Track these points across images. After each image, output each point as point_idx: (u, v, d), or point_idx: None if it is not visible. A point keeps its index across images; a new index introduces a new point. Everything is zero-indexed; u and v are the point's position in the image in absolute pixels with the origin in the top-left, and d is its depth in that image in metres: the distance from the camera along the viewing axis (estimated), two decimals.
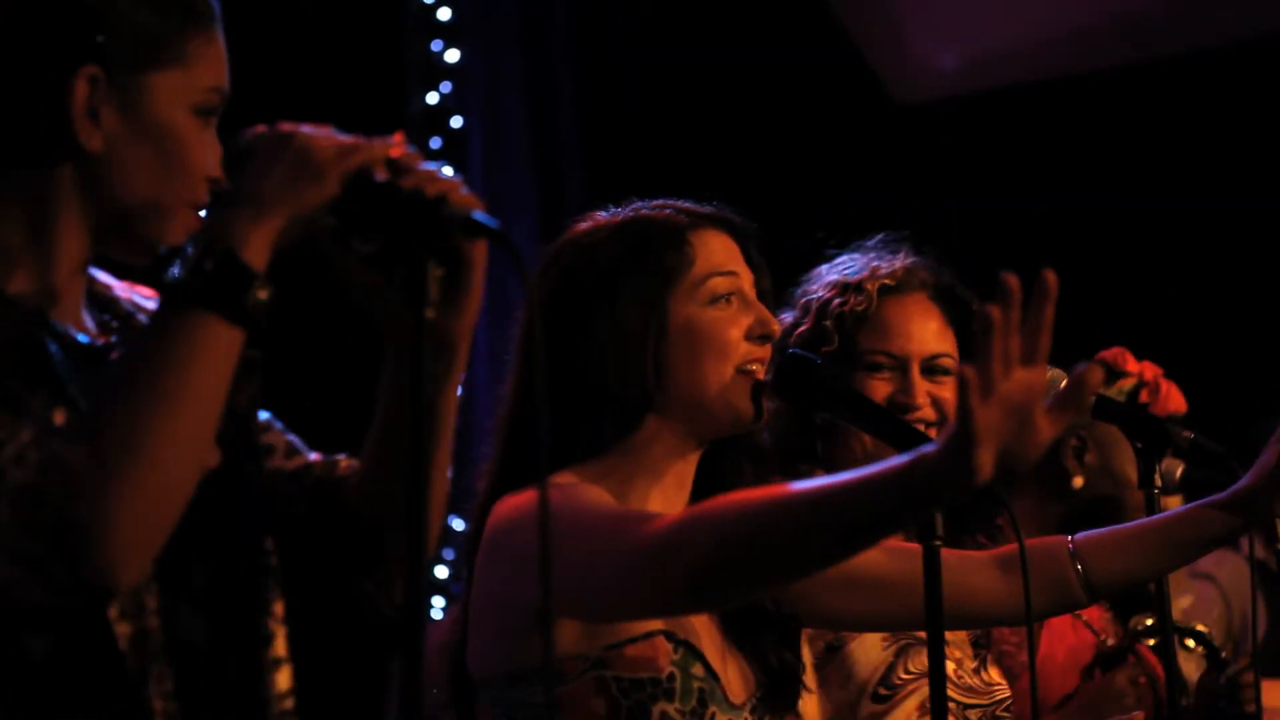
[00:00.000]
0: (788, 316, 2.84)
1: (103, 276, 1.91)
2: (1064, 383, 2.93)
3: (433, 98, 5.08)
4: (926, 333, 2.81)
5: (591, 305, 2.28)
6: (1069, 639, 3.16)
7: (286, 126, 1.73)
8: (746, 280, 2.35)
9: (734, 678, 2.30)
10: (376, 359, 1.84)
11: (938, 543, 2.16)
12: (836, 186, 5.19)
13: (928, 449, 1.76)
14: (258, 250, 1.67)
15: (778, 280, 2.67)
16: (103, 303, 1.89)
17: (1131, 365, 3.27)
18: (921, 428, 2.70)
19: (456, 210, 1.66)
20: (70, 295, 1.82)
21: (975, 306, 2.82)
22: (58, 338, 1.76)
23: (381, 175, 1.69)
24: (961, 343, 2.82)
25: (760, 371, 2.30)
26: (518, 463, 2.28)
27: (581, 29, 5.34)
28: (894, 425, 2.35)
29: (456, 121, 5.14)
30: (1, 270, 1.77)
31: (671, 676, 2.20)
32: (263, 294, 1.66)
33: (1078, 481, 3.19)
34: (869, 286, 2.82)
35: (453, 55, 5.11)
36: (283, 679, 1.82)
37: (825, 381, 2.37)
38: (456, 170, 5.16)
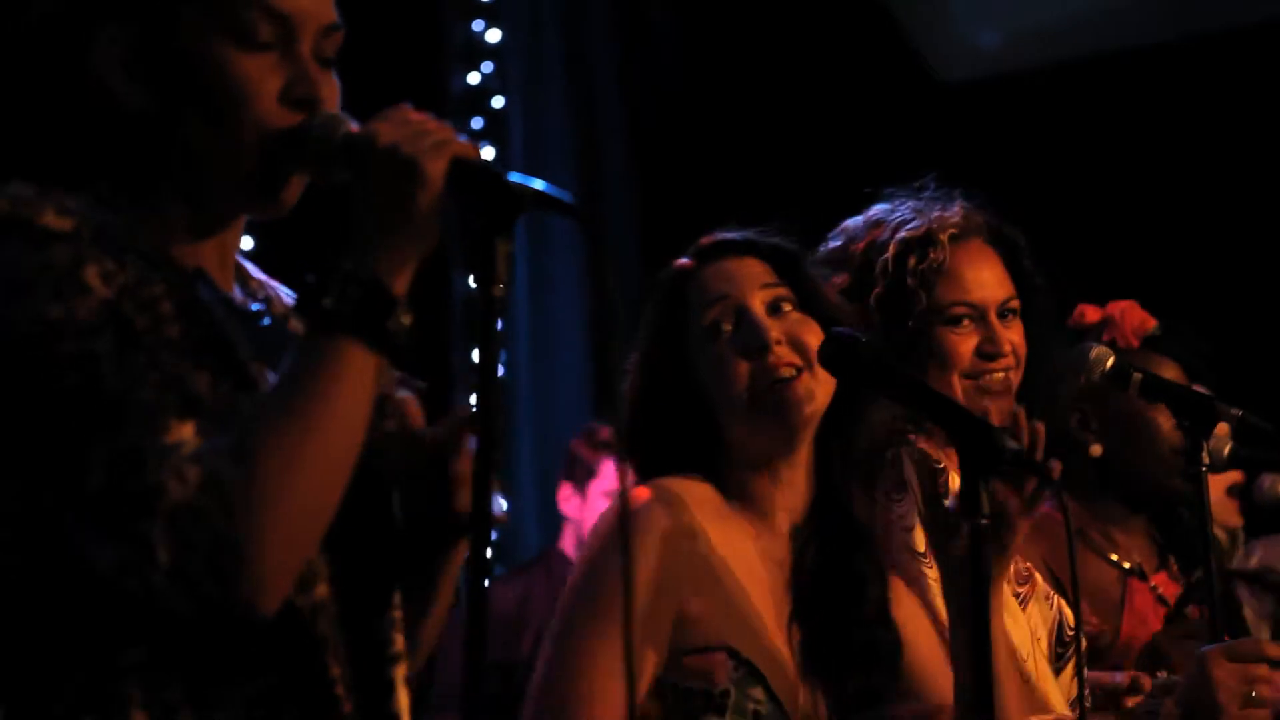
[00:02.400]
0: (837, 275, 2.81)
1: (251, 267, 1.91)
2: (1109, 361, 2.93)
3: (474, 78, 5.09)
4: (995, 279, 2.79)
5: (643, 360, 2.37)
6: (1151, 622, 3.13)
7: (400, 117, 1.68)
8: (758, 299, 2.37)
9: (809, 711, 2.29)
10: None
11: (984, 521, 2.14)
12: (876, 165, 5.17)
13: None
14: (398, 278, 1.65)
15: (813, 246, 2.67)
16: (249, 285, 1.88)
17: (1091, 314, 3.21)
18: (1001, 375, 2.70)
19: (525, 186, 1.66)
20: (220, 262, 1.80)
21: (1023, 243, 2.82)
22: (220, 299, 1.76)
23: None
24: (1016, 282, 2.81)
25: (778, 373, 2.32)
26: (645, 460, 2.35)
27: (621, 8, 5.33)
28: (940, 403, 2.33)
29: (498, 101, 5.14)
30: (160, 236, 1.74)
31: (726, 693, 2.21)
32: (405, 320, 1.65)
33: (1096, 450, 3.16)
34: (941, 238, 2.79)
35: (494, 35, 5.12)
36: (400, 676, 1.82)
37: (870, 360, 2.36)
38: (498, 150, 5.17)
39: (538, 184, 1.65)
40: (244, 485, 1.56)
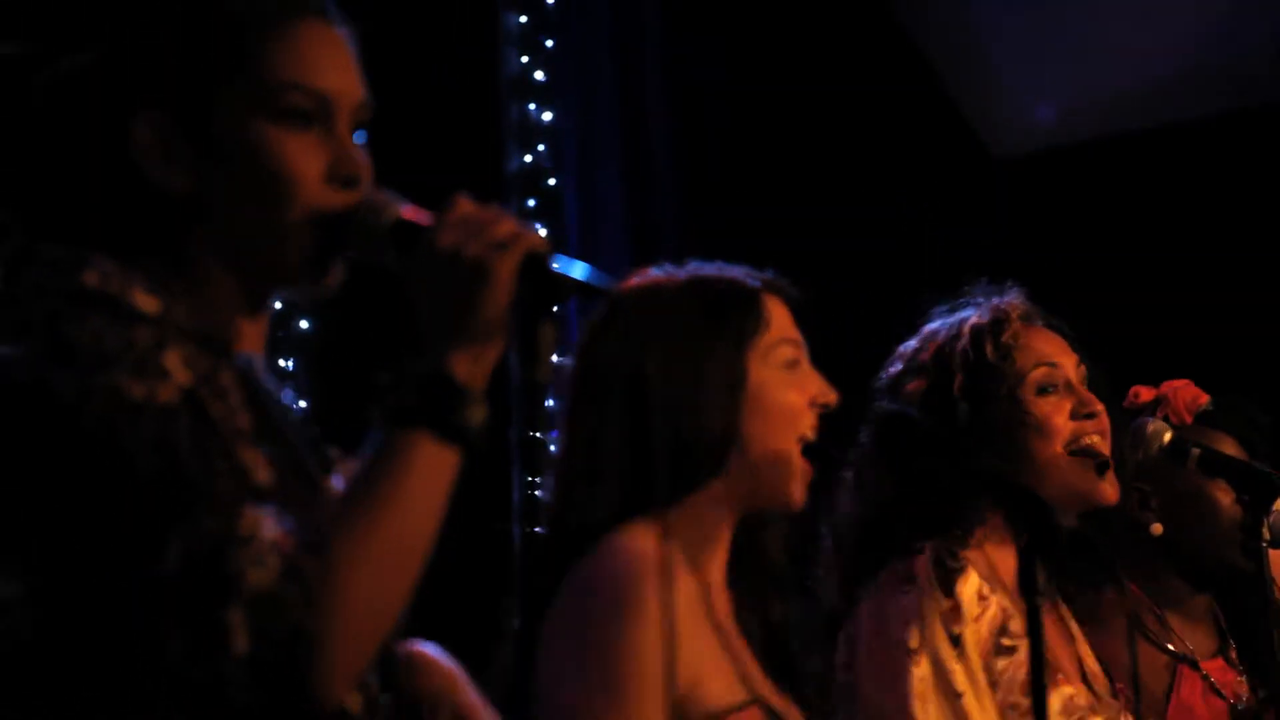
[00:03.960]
0: (912, 383, 2.81)
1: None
2: (1166, 435, 2.91)
3: (528, 158, 5.12)
4: (1069, 357, 2.84)
5: (667, 363, 2.28)
6: (1199, 711, 3.08)
7: (460, 216, 1.68)
8: (804, 352, 2.37)
9: None
10: None
11: (1039, 599, 2.12)
12: (934, 238, 5.16)
13: None
14: (474, 377, 1.66)
15: (879, 328, 2.67)
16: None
17: (1145, 394, 3.19)
18: (1096, 440, 2.70)
19: (567, 275, 1.65)
20: (258, 343, 1.81)
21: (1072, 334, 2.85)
22: (264, 388, 1.76)
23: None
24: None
25: (812, 438, 2.32)
26: (577, 512, 2.26)
27: (674, 89, 5.36)
28: (997, 481, 2.32)
29: (553, 182, 5.16)
30: (208, 319, 1.74)
31: None
32: (479, 415, 1.65)
33: (1157, 528, 3.12)
34: (1012, 316, 2.83)
35: (548, 116, 5.15)
36: None
37: (926, 436, 2.36)
38: (553, 229, 5.18)
39: (578, 269, 1.65)
40: (322, 577, 1.56)
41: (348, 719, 1.65)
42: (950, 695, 2.53)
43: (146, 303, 1.64)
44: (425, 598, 1.67)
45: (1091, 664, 2.80)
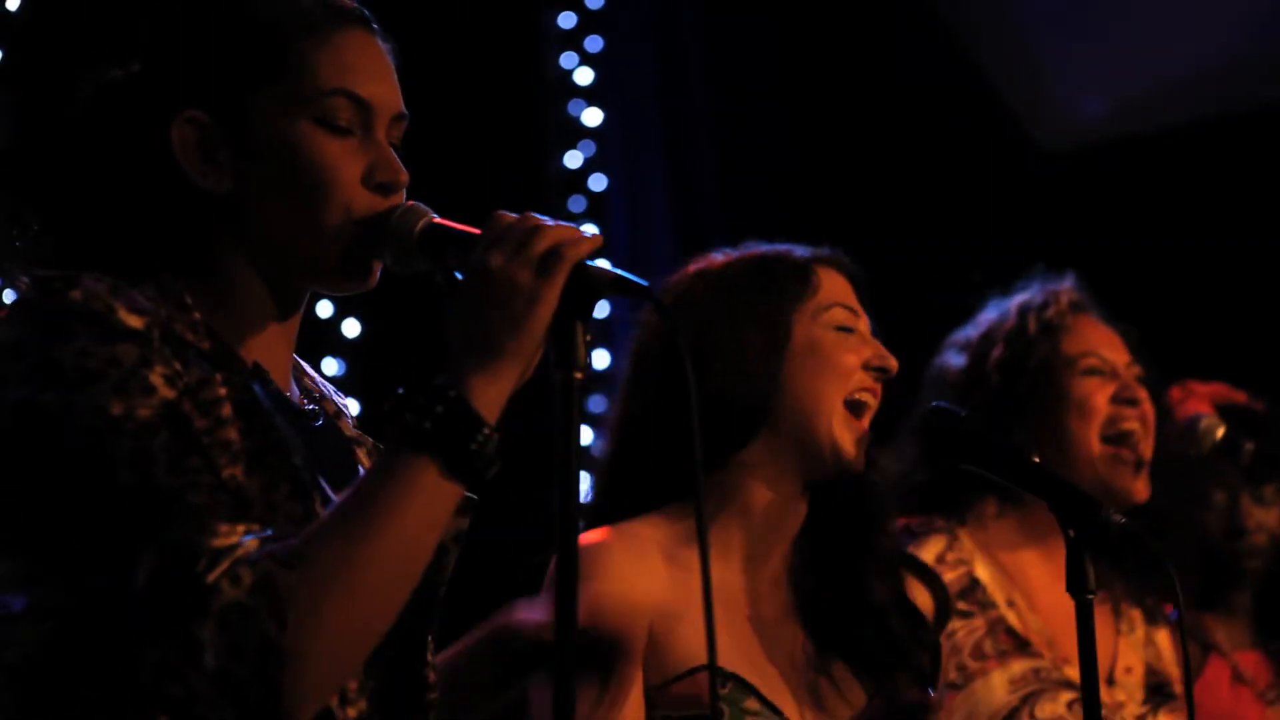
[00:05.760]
0: (955, 361, 2.84)
1: (306, 366, 1.91)
2: (1219, 431, 2.89)
3: (574, 159, 5.12)
4: (1121, 346, 2.84)
5: (710, 325, 2.28)
6: (1224, 698, 3.07)
7: (499, 230, 1.66)
8: (864, 323, 2.37)
9: (811, 713, 2.27)
10: None
11: (1090, 596, 2.13)
12: (981, 233, 5.13)
13: None
14: (491, 402, 1.64)
15: (923, 321, 2.66)
16: (303, 382, 1.89)
17: (1176, 394, 3.18)
18: (1136, 426, 2.71)
19: (603, 271, 1.64)
20: (281, 351, 1.81)
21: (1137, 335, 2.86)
22: (277, 397, 1.76)
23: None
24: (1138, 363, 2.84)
25: (871, 406, 2.30)
26: (621, 493, 2.26)
27: (720, 89, 5.35)
28: (1043, 478, 2.31)
29: (599, 183, 5.16)
30: (223, 326, 1.75)
31: (720, 713, 2.18)
32: (490, 445, 1.63)
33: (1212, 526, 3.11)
34: (1061, 299, 2.85)
35: (593, 117, 5.15)
36: None
37: (971, 435, 2.35)
38: (600, 231, 5.19)
39: (608, 266, 1.64)
40: (298, 593, 1.54)
41: None
42: None
43: (131, 320, 1.65)
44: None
45: (1131, 660, 2.79)
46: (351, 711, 1.65)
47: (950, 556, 2.77)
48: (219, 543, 1.56)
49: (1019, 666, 2.71)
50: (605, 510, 2.29)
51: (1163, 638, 2.86)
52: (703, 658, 2.17)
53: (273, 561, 1.56)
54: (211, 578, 1.54)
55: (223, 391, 1.66)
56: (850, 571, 2.34)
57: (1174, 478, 2.92)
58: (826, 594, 2.33)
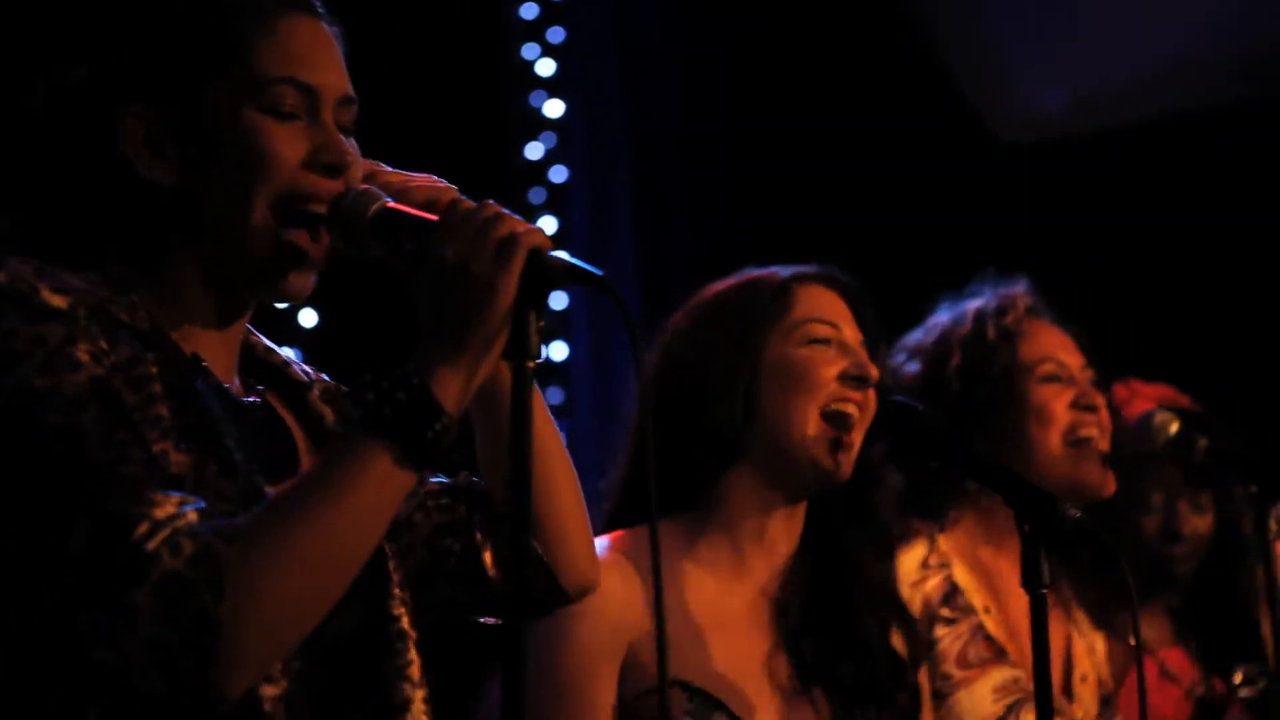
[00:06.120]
0: (910, 367, 2.85)
1: (265, 340, 1.91)
2: (1174, 427, 2.90)
3: (535, 151, 5.11)
4: (1077, 358, 2.86)
5: (695, 356, 2.32)
6: (1153, 698, 3.10)
7: (457, 219, 1.67)
8: (852, 336, 2.38)
9: None
10: None
11: (1044, 590, 2.13)
12: (940, 233, 5.14)
13: None
14: (453, 391, 1.64)
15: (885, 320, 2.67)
16: (254, 363, 1.88)
17: (1121, 393, 3.20)
18: (1095, 432, 2.74)
19: (559, 260, 1.65)
20: (222, 347, 1.81)
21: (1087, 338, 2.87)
22: (213, 387, 1.76)
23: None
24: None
25: (854, 415, 2.32)
26: (633, 500, 2.35)
27: (681, 82, 5.35)
28: (999, 473, 2.32)
29: (559, 174, 5.16)
30: (167, 317, 1.76)
31: None
32: (448, 434, 1.63)
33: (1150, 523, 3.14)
34: (1017, 304, 2.86)
35: (555, 109, 5.14)
36: None
37: (930, 429, 2.36)
38: (560, 223, 5.18)
39: (565, 256, 1.65)
40: (237, 567, 1.55)
41: (256, 711, 1.63)
42: None
43: (55, 300, 1.66)
44: None
45: (1085, 668, 2.82)
46: (271, 690, 1.64)
47: (933, 561, 2.78)
48: (159, 512, 1.57)
49: (999, 675, 2.74)
50: (623, 514, 2.35)
51: (1100, 641, 2.89)
52: (674, 673, 2.19)
53: (214, 535, 1.56)
54: (151, 546, 1.54)
55: (154, 370, 1.67)
56: (842, 603, 2.38)
57: (1117, 478, 2.93)
58: (814, 620, 2.36)
